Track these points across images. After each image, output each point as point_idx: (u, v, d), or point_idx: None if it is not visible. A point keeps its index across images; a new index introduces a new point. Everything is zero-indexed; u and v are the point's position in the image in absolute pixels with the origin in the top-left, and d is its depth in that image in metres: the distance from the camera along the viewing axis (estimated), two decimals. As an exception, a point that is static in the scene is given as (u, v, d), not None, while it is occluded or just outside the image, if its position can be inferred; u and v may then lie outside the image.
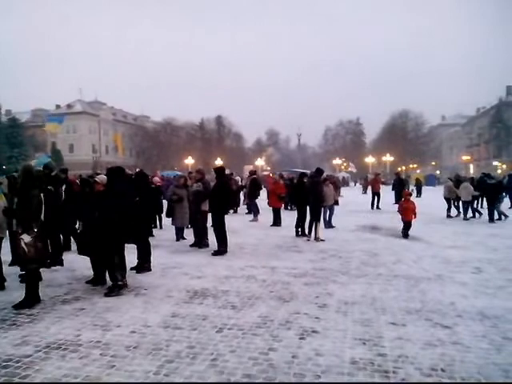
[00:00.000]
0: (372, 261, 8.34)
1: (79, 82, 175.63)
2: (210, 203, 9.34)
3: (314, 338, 4.39)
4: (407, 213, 11.23)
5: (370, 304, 5.56)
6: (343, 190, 30.89)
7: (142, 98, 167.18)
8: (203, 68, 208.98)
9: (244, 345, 4.21)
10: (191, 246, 10.03)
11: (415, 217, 11.30)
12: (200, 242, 9.92)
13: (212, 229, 9.47)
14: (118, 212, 5.99)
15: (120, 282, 6.12)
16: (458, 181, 17.23)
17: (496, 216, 15.27)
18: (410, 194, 11.97)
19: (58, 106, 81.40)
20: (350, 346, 4.17)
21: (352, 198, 28.55)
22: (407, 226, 11.34)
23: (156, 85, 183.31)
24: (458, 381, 3.50)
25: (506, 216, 15.46)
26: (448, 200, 16.89)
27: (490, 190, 15.54)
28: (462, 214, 16.11)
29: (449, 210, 16.77)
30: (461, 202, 16.28)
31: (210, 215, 9.47)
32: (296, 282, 6.72)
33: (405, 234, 11.29)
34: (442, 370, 3.67)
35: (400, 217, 11.59)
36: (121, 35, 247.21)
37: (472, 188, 15.79)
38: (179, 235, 11.04)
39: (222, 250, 9.01)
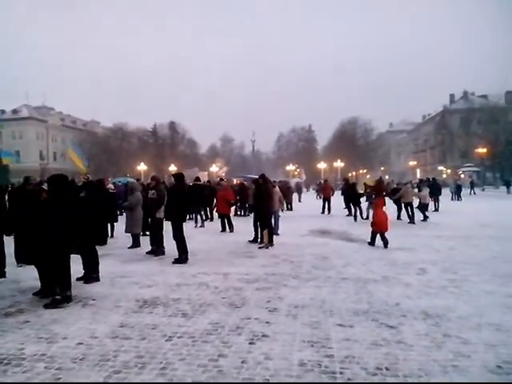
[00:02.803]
0: (322, 264, 8.49)
1: (26, 86, 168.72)
2: (166, 211, 9.19)
3: (264, 342, 4.44)
4: (380, 222, 10.38)
5: (319, 307, 5.67)
6: (296, 196, 31.36)
7: (91, 103, 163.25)
8: (153, 74, 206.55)
9: (194, 352, 4.19)
10: (148, 253, 9.88)
11: (378, 228, 10.45)
12: (156, 250, 9.79)
13: (172, 236, 9.12)
14: (58, 222, 5.75)
15: (58, 296, 5.82)
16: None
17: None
18: (384, 204, 10.80)
19: (2, 112, 78.06)
20: (298, 349, 4.24)
21: (305, 204, 29.04)
22: (381, 234, 10.41)
23: (106, 91, 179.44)
24: (401, 378, 3.64)
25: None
26: (408, 205, 16.47)
27: None
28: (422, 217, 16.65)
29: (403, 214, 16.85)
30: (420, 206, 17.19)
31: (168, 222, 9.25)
32: (248, 287, 6.75)
33: (385, 243, 10.30)
34: (387, 369, 3.80)
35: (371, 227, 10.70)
36: (66, 40, 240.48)
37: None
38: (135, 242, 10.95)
39: (183, 257, 8.86)
